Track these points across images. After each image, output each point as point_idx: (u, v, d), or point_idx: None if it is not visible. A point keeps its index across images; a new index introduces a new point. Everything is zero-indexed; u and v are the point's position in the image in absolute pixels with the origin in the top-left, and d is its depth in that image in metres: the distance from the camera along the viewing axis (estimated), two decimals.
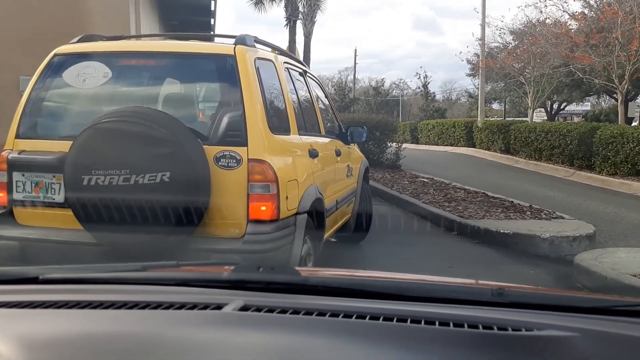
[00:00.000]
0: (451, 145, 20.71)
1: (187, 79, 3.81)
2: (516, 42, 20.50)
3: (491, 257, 5.59)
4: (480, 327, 0.98)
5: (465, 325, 0.98)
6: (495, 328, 0.98)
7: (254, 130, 3.22)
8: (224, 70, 3.42)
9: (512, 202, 7.70)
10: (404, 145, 13.31)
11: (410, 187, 9.33)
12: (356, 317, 0.99)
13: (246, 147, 3.18)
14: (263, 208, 3.19)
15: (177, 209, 3.03)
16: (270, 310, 0.99)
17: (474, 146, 18.94)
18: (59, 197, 3.29)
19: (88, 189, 3.01)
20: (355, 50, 53.71)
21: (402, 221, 7.25)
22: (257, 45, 3.65)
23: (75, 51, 3.54)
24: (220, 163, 3.16)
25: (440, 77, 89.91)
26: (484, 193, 8.50)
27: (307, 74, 4.74)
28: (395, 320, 0.99)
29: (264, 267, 1.14)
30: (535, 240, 5.68)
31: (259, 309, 0.99)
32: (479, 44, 20.55)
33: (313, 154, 3.92)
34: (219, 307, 0.99)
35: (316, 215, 3.73)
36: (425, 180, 10.24)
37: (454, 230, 6.51)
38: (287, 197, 3.28)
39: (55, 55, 3.53)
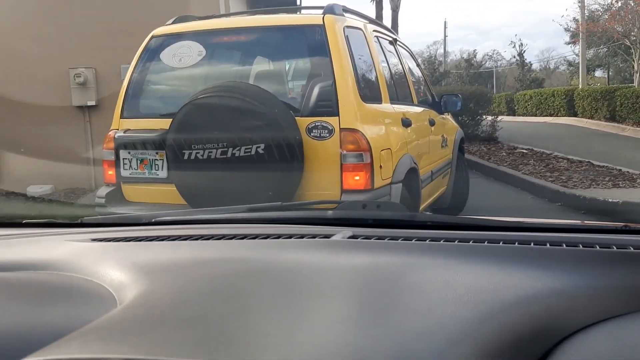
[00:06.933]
0: (550, 115, 19.71)
1: (277, 52, 3.83)
2: (620, 3, 19.06)
3: None
4: (614, 247, 0.95)
5: (597, 247, 0.94)
6: (631, 248, 0.95)
7: (345, 99, 3.19)
8: (313, 40, 3.41)
9: (620, 170, 7.21)
10: (500, 117, 12.82)
11: (508, 159, 8.98)
12: (473, 242, 0.96)
13: (338, 117, 3.16)
14: (357, 178, 3.16)
15: (271, 181, 3.07)
16: (380, 238, 0.97)
17: (575, 115, 17.91)
18: (162, 173, 3.43)
19: (188, 163, 3.11)
20: (445, 22, 52.17)
21: (501, 193, 7.00)
22: (346, 15, 3.61)
23: (171, 32, 3.66)
24: (312, 134, 3.16)
25: (539, 46, 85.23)
26: (588, 162, 8.02)
27: (398, 42, 4.64)
28: (516, 243, 0.96)
29: (369, 205, 1.12)
30: None
31: (368, 238, 0.97)
32: (579, 6, 19.32)
33: (406, 123, 3.84)
34: (327, 236, 0.98)
35: (411, 185, 3.66)
36: (524, 151, 9.81)
37: (557, 201, 6.20)
38: (380, 167, 3.23)
39: (152, 37, 3.67)
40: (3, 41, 7.11)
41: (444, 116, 5.12)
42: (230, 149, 3.04)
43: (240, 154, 3.04)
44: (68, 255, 0.93)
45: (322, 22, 3.32)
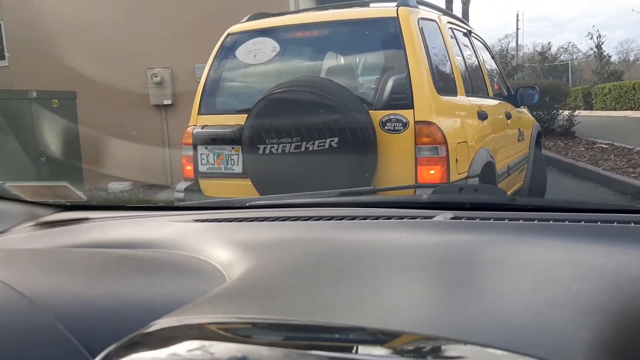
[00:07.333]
0: (631, 109, 18.77)
1: (350, 45, 3.83)
2: None
3: None
4: None
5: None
6: None
7: (419, 92, 3.14)
8: (387, 33, 3.38)
9: None
10: (576, 111, 12.33)
11: (587, 154, 8.61)
12: (584, 222, 0.94)
13: (412, 110, 3.11)
14: (432, 172, 3.11)
15: (345, 174, 3.07)
16: (484, 219, 0.94)
17: None
18: (238, 168, 3.50)
19: (263, 158, 3.16)
20: (517, 14, 50.47)
21: (580, 190, 6.72)
22: (420, 7, 3.56)
23: (246, 29, 3.72)
24: (386, 127, 3.13)
25: (618, 37, 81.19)
26: None
27: (472, 34, 4.53)
28: (632, 224, 0.94)
29: (466, 188, 1.10)
30: None
31: (471, 219, 0.95)
32: None
33: (482, 116, 3.75)
34: (427, 217, 0.97)
35: (487, 180, 3.56)
36: (604, 146, 9.38)
37: None
38: (456, 160, 3.17)
39: (228, 35, 3.75)
40: (86, 44, 7.46)
41: (520, 109, 4.97)
42: (304, 143, 3.06)
43: (314, 148, 3.06)
44: (174, 235, 0.97)
45: (396, 15, 3.29)
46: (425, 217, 0.96)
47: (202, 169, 3.60)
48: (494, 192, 1.12)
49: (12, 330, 0.56)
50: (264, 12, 3.95)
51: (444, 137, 3.08)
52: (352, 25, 3.59)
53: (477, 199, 1.07)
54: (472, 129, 3.52)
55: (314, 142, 3.05)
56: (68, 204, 1.22)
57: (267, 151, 3.14)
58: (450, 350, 0.47)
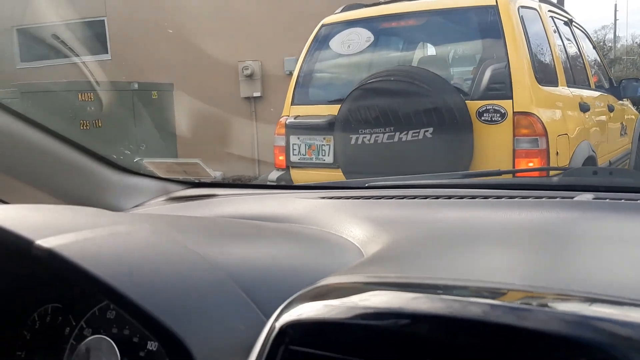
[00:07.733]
0: None
1: (446, 35, 3.76)
2: None
3: None
4: None
5: None
6: None
7: (519, 82, 3.05)
8: (485, 21, 3.29)
9: None
10: None
11: None
12: None
13: (511, 100, 3.02)
14: (531, 164, 3.01)
15: (440, 165, 3.02)
16: (630, 199, 0.90)
17: None
18: (329, 158, 3.52)
19: (355, 148, 3.16)
20: (615, 5, 47.87)
21: None
22: None
23: (340, 20, 3.74)
24: (483, 118, 3.06)
25: None
26: None
27: (573, 23, 4.33)
28: None
29: (600, 172, 1.06)
30: None
31: (615, 199, 0.91)
32: None
33: (584, 108, 3.58)
34: (567, 197, 0.93)
35: None
36: None
37: None
38: (557, 153, 3.05)
39: (322, 26, 3.78)
40: (182, 38, 7.75)
41: (622, 102, 4.71)
42: (398, 133, 3.04)
43: (407, 138, 3.03)
44: (303, 210, 0.99)
45: (495, 3, 3.20)
46: (565, 197, 0.93)
47: (293, 159, 3.66)
48: (631, 175, 1.07)
49: (192, 286, 0.59)
50: (357, 3, 3.95)
51: (544, 128, 2.97)
52: (450, 13, 3.52)
53: (616, 182, 1.02)
54: (573, 121, 3.38)
55: (407, 132, 3.02)
56: (196, 181, 1.27)
57: (360, 141, 3.15)
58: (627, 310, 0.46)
